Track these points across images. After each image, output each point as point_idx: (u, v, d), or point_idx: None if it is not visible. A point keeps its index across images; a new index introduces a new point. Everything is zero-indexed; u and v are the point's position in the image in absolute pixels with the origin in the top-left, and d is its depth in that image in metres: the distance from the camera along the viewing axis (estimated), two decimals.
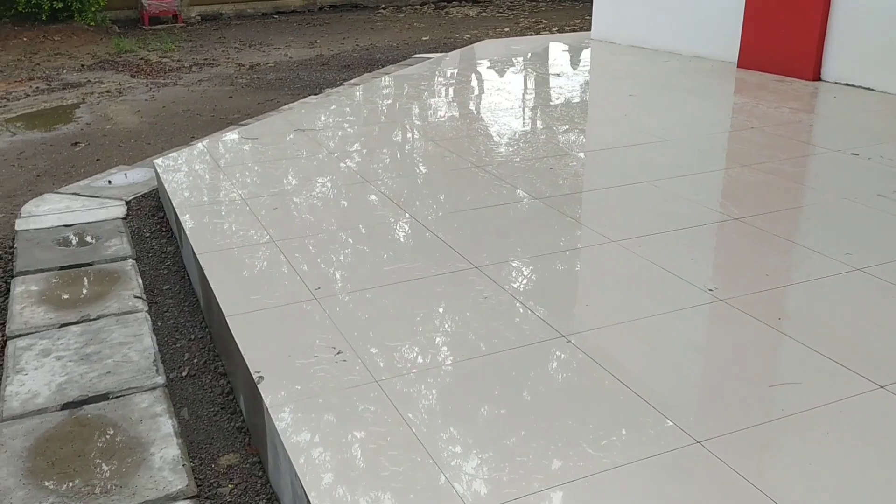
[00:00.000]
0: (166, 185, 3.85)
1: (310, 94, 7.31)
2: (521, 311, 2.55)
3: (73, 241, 3.67)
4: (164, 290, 3.31)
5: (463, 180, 3.88)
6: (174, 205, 3.57)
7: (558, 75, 6.49)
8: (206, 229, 3.30)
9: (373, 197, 3.65)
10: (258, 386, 2.16)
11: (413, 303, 2.63)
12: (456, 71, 7.26)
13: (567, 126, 4.97)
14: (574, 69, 6.97)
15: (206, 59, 9.60)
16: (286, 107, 6.38)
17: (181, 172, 4.13)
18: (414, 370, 2.22)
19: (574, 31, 11.27)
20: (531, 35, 11.04)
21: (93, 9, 10.94)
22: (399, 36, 11.37)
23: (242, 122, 5.93)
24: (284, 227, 3.29)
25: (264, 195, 3.69)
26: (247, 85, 8.04)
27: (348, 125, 5.15)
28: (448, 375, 2.20)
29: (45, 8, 10.45)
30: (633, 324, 2.45)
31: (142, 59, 9.61)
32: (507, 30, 11.68)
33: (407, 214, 3.40)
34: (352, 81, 7.38)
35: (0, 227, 4.25)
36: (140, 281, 3.30)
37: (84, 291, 3.22)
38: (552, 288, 2.75)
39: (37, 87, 8.03)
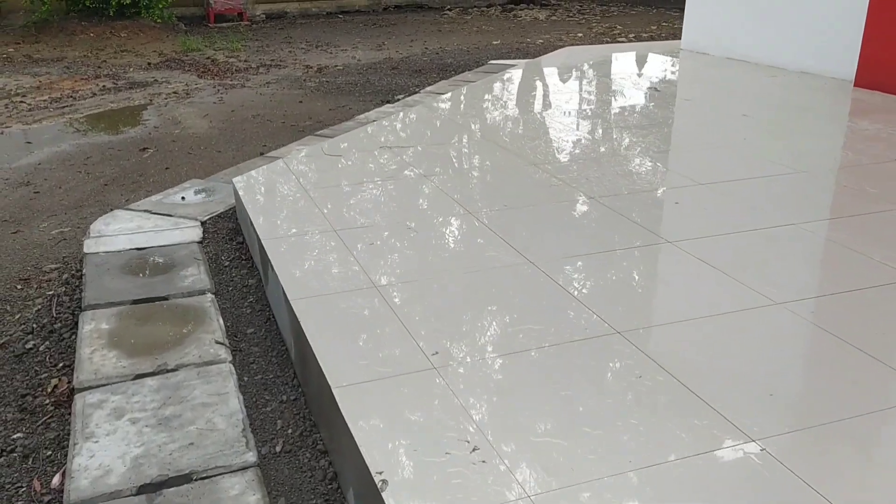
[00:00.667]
0: (248, 210, 3.48)
1: (384, 102, 6.94)
2: (690, 400, 2.09)
3: (146, 269, 3.32)
4: (248, 334, 2.93)
5: (579, 216, 3.43)
6: (259, 235, 3.19)
7: (657, 90, 5.98)
8: (296, 268, 2.91)
9: (479, 233, 3.22)
10: (382, 493, 1.75)
11: (551, 381, 2.19)
12: (540, 81, 6.79)
13: (682, 151, 4.48)
14: (673, 84, 6.45)
15: (272, 60, 9.31)
16: (362, 116, 6.00)
17: (262, 194, 3.75)
18: (573, 483, 1.78)
19: (652, 38, 10.72)
20: (607, 42, 10.52)
21: (160, 5, 10.76)
22: (468, 39, 10.95)
23: (318, 133, 5.56)
24: (386, 269, 2.88)
25: (357, 225, 3.29)
26: (316, 89, 7.70)
27: (435, 141, 4.73)
28: (620, 498, 1.76)
29: (113, 4, 10.29)
30: (845, 427, 1.98)
31: (208, 58, 9.36)
32: (580, 35, 11.18)
33: (524, 258, 2.97)
34: (428, 89, 6.97)
35: (67, 245, 3.94)
36: (221, 322, 2.92)
37: (160, 332, 2.85)
38: (721, 368, 2.28)
39: (103, 86, 7.81)
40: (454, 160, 4.31)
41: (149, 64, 9.03)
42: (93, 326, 2.89)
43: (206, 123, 6.35)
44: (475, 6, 15.11)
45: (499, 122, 5.17)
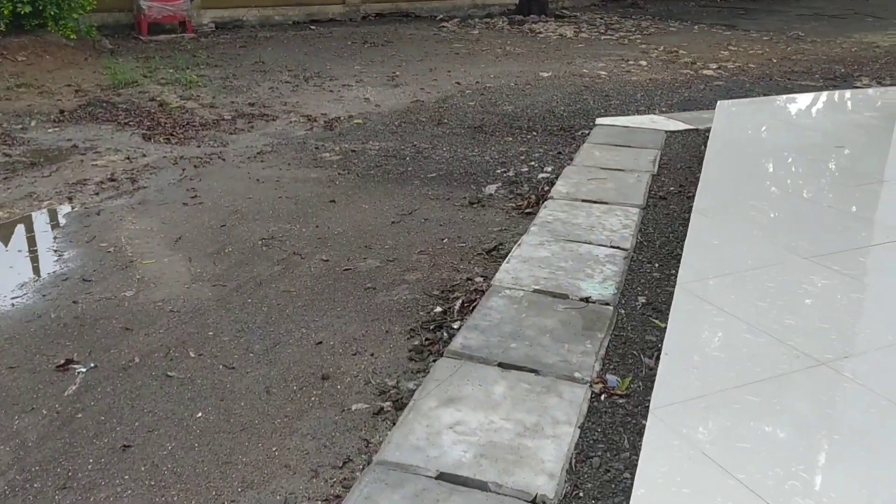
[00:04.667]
0: None
1: (475, 203, 4.15)
2: None
3: None
4: None
5: None
6: None
7: None
8: None
9: None
10: None
11: None
12: (773, 173, 4.11)
13: None
14: None
15: (252, 105, 6.34)
16: (505, 278, 3.17)
17: None
18: None
19: (741, 70, 8.22)
20: (689, 74, 7.97)
21: (74, 15, 7.56)
22: (502, 68, 8.21)
23: (455, 350, 2.69)
24: None
25: None
26: (343, 167, 4.82)
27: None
28: None
29: (6, 13, 7.06)
30: None
31: (154, 99, 6.29)
32: (643, 64, 8.60)
33: None
34: (562, 188, 4.18)
35: None
36: None
37: None
38: None
39: None
40: None
41: (61, 112, 5.90)
42: None
43: (182, 267, 3.41)
44: (472, 16, 12.37)
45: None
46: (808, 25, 11.79)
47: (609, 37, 10.63)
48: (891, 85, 7.31)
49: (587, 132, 5.59)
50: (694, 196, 4.02)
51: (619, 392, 2.34)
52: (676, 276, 3.09)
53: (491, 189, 4.46)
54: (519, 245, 3.28)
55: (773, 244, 3.06)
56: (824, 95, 5.75)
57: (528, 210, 4.06)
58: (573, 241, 3.33)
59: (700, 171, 4.37)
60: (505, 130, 5.74)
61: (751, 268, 2.89)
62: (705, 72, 8.16)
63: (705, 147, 4.92)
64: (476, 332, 2.57)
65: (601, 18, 12.33)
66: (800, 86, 7.37)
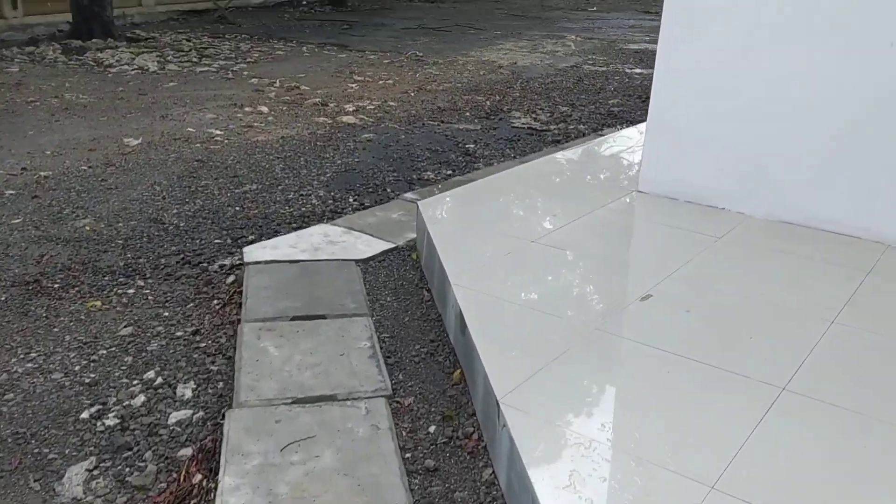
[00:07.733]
0: None
1: None
2: None
3: None
4: None
5: None
6: None
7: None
8: None
9: None
10: None
11: None
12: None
13: None
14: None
15: None
16: None
17: None
18: None
19: (382, 114, 6.75)
20: (327, 122, 6.22)
21: None
22: (65, 134, 5.55)
23: None
24: None
25: None
26: None
27: None
28: None
29: None
30: None
31: None
32: (264, 110, 6.61)
33: None
34: (243, 502, 2.05)
35: None
36: None
37: None
38: None
39: None
40: None
41: None
42: None
43: None
44: (7, 43, 9.04)
45: None
46: (420, 41, 10.91)
47: (207, 67, 8.38)
48: (556, 127, 6.45)
49: (227, 265, 3.49)
50: (481, 453, 2.22)
51: None
52: None
53: (74, 483, 2.15)
54: None
55: None
56: (529, 170, 4.39)
57: None
58: None
59: (455, 364, 2.60)
60: (83, 279, 3.34)
61: None
62: (345, 118, 6.49)
63: (426, 289, 3.18)
64: None
65: (188, 41, 9.95)
66: (459, 130, 6.13)
